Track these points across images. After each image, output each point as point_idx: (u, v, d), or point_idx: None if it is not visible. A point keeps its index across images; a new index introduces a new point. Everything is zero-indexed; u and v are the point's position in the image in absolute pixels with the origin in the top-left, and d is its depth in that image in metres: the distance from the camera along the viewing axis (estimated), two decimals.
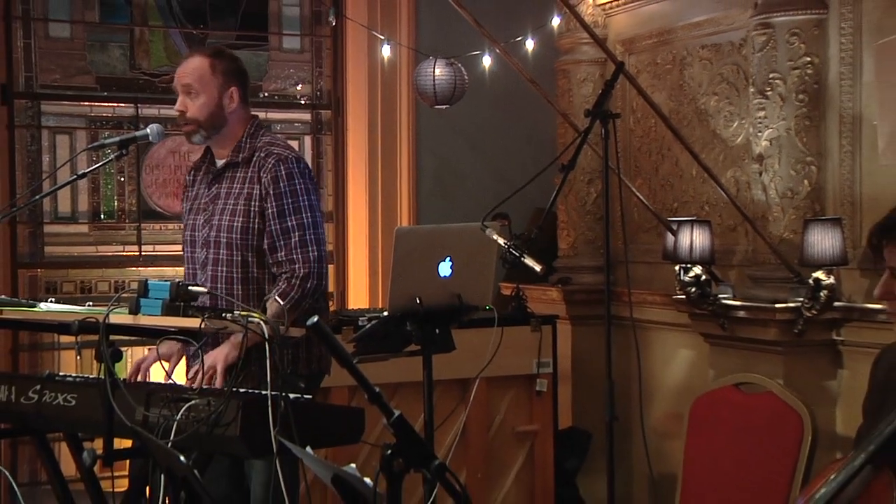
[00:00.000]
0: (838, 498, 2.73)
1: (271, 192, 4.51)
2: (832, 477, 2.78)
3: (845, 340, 5.44)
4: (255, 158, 4.58)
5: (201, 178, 4.76)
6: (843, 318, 5.40)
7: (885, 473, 2.63)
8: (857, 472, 2.72)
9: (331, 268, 7.77)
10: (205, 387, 4.09)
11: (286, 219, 4.51)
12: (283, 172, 4.52)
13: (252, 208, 4.53)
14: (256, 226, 4.52)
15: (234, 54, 4.84)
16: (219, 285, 4.55)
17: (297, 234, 4.50)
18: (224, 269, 4.57)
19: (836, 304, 5.34)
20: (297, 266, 4.47)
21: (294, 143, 6.49)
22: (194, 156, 7.49)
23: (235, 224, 4.54)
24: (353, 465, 2.74)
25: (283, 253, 4.50)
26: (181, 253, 4.99)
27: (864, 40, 5.35)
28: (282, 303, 4.33)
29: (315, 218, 4.55)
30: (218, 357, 4.26)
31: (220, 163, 4.69)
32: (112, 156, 4.59)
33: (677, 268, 5.82)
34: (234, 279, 4.55)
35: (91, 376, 4.29)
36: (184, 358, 4.67)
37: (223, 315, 4.05)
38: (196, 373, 4.32)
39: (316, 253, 4.51)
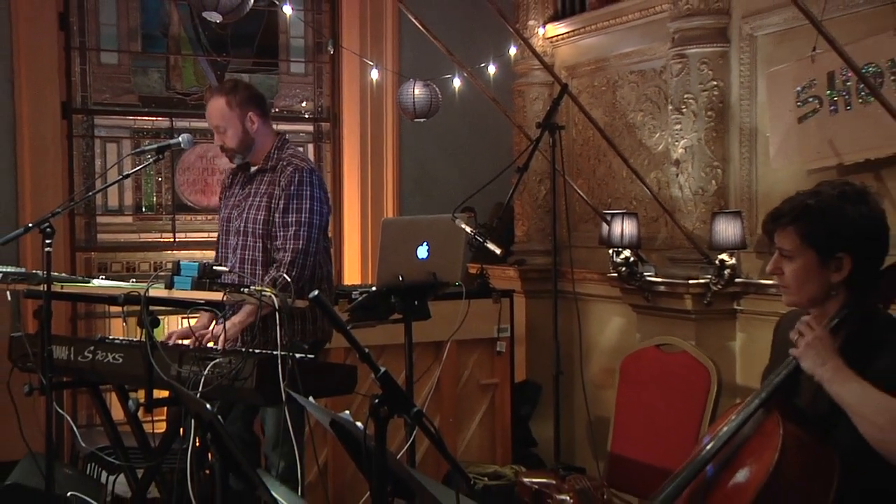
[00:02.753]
0: (737, 434, 2.75)
1: (283, 192, 4.54)
2: (732, 417, 2.80)
3: (744, 309, 5.45)
4: (279, 167, 4.62)
5: (238, 181, 4.80)
6: (742, 292, 5.40)
7: (774, 415, 2.65)
8: (752, 414, 2.74)
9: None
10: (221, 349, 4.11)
11: (288, 215, 4.54)
12: (296, 179, 4.56)
13: (272, 206, 4.57)
14: (274, 219, 4.55)
15: (247, 83, 4.85)
16: (246, 265, 4.60)
17: (292, 228, 4.53)
18: (250, 252, 4.61)
19: (737, 280, 5.34)
20: (286, 254, 4.49)
21: (299, 150, 6.51)
22: (220, 160, 7.52)
23: (259, 217, 4.58)
24: (348, 412, 2.75)
25: (279, 241, 4.54)
26: (209, 239, 5.02)
27: (758, 69, 5.34)
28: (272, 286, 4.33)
29: (313, 219, 4.56)
30: (230, 326, 4.27)
31: (252, 169, 4.73)
32: (151, 160, 4.57)
33: (611, 251, 5.82)
34: (258, 261, 4.59)
35: (135, 339, 4.31)
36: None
37: (241, 290, 4.07)
38: (203, 336, 4.35)
39: (303, 246, 4.51)
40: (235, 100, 4.64)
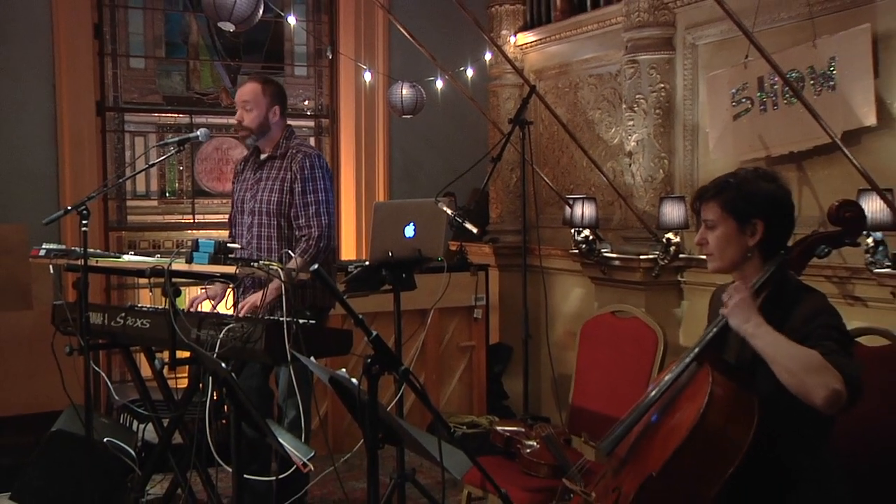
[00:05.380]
0: (675, 383, 2.81)
1: (298, 177, 4.54)
2: (673, 368, 2.86)
3: (686, 281, 5.49)
4: (288, 154, 4.60)
5: (249, 167, 4.78)
6: (685, 266, 5.45)
7: (706, 367, 2.70)
8: (687, 367, 2.81)
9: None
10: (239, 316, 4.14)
11: (307, 196, 4.53)
12: (308, 164, 4.55)
13: (284, 188, 4.56)
14: (286, 200, 4.55)
15: (279, 82, 4.86)
16: (262, 241, 4.59)
17: (313, 207, 4.53)
18: (265, 229, 4.60)
19: (681, 255, 5.39)
20: (313, 230, 4.50)
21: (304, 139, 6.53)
22: (233, 151, 7.52)
23: (272, 198, 4.57)
24: (344, 370, 2.76)
25: (303, 220, 4.53)
26: (224, 220, 5.01)
27: (699, 73, 5.38)
28: (303, 258, 4.38)
29: (327, 197, 4.58)
30: (253, 302, 4.31)
31: (263, 156, 4.71)
32: (173, 151, 4.55)
33: (572, 231, 5.85)
34: (272, 236, 4.59)
35: (160, 307, 4.32)
36: (229, 297, 4.72)
37: (251, 264, 4.09)
38: (242, 306, 4.38)
39: (326, 220, 4.54)
40: (269, 90, 4.66)
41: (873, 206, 4.02)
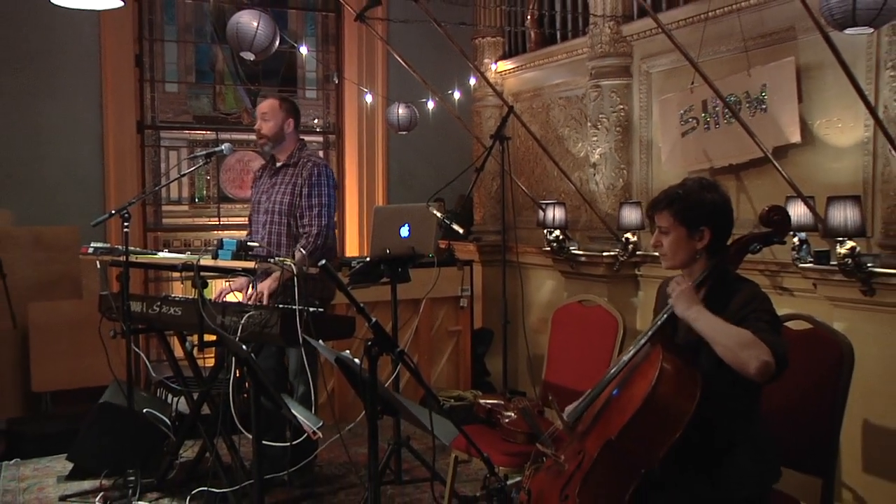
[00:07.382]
0: (631, 362, 2.85)
1: (307, 182, 4.56)
2: (630, 349, 2.90)
3: (643, 274, 5.51)
4: (300, 163, 4.63)
5: (266, 173, 4.81)
6: (641, 261, 5.46)
7: (657, 348, 2.74)
8: (642, 347, 2.85)
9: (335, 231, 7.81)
10: (256, 304, 4.16)
11: (311, 199, 4.56)
12: (316, 172, 4.58)
13: (295, 192, 4.58)
14: (297, 202, 4.58)
15: (294, 101, 4.90)
16: (273, 237, 4.61)
17: (316, 209, 4.55)
18: (276, 227, 4.62)
19: (638, 253, 5.40)
20: (313, 228, 4.52)
21: (317, 151, 6.50)
22: (253, 163, 7.51)
23: (285, 200, 4.59)
24: (348, 352, 2.77)
25: (306, 220, 4.55)
26: (245, 223, 5.02)
27: (653, 97, 5.38)
28: (304, 252, 4.40)
29: (329, 202, 4.60)
30: (264, 286, 4.32)
31: (278, 164, 4.74)
32: (202, 163, 4.59)
33: (545, 231, 5.85)
34: (281, 233, 4.60)
35: (190, 297, 4.34)
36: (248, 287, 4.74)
37: (269, 260, 4.11)
38: (251, 296, 4.40)
39: (326, 221, 4.56)
40: (285, 105, 4.72)
41: (798, 211, 4.06)
